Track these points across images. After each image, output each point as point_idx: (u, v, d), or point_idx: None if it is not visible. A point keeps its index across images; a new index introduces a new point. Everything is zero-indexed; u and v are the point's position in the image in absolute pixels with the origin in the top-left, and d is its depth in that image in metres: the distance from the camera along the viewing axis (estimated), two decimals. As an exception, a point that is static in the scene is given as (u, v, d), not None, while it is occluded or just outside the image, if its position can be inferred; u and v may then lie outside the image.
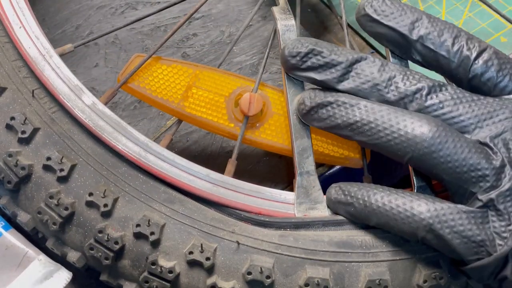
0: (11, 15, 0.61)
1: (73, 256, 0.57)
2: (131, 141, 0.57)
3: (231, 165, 0.62)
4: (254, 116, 0.64)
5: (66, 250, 0.57)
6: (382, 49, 0.88)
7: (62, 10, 0.87)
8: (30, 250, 0.60)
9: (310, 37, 0.88)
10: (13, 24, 0.61)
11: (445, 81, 0.55)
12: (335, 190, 0.56)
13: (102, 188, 0.55)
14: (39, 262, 0.59)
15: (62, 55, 0.62)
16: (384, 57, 0.87)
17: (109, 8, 0.87)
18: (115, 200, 0.55)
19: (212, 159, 0.77)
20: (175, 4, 0.72)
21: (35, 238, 0.61)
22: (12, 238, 0.60)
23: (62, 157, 0.56)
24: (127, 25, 0.70)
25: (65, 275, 0.59)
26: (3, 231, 0.60)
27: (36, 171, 0.56)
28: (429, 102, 0.52)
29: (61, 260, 0.59)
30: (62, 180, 0.56)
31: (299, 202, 0.57)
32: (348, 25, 0.88)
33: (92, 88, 0.80)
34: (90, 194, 0.55)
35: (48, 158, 0.56)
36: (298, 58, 0.53)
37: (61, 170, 0.55)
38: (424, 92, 0.52)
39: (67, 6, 0.87)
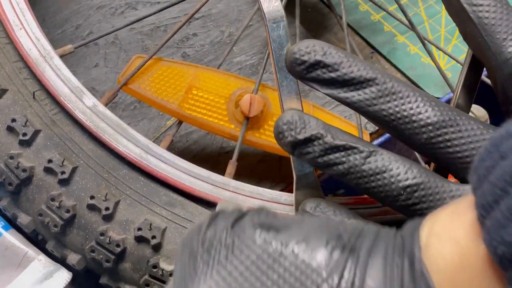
0: (12, 16, 0.61)
1: (73, 258, 0.57)
2: (132, 143, 0.57)
3: (231, 167, 0.62)
4: (255, 117, 0.65)
5: (66, 253, 0.57)
6: (383, 49, 0.88)
7: (62, 10, 0.87)
8: (30, 250, 0.60)
9: (310, 36, 0.88)
10: (14, 25, 0.61)
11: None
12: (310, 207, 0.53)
13: (104, 191, 0.55)
14: (39, 262, 0.59)
15: (62, 56, 0.62)
16: (385, 58, 0.88)
17: (109, 8, 0.87)
18: (117, 203, 0.55)
19: (212, 159, 0.77)
20: (175, 4, 0.72)
21: (34, 240, 0.61)
22: (12, 238, 0.61)
23: (64, 159, 0.56)
24: (128, 25, 0.70)
25: (65, 275, 0.59)
26: (3, 231, 0.61)
27: (37, 173, 0.56)
28: None
29: (60, 262, 0.60)
30: (64, 182, 0.56)
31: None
32: (348, 25, 0.88)
33: (92, 88, 0.80)
34: (92, 197, 0.55)
35: (50, 161, 0.56)
36: (303, 67, 0.48)
37: (63, 172, 0.55)
38: None
39: (67, 6, 0.87)
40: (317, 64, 0.47)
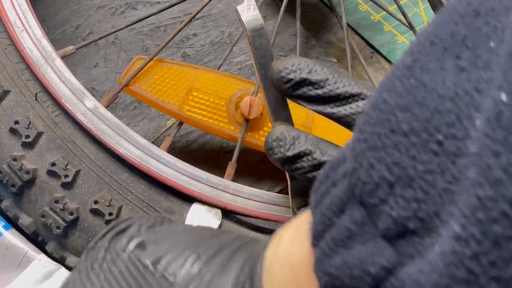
0: (13, 17, 0.61)
1: (72, 261, 0.57)
2: (133, 145, 0.58)
3: (231, 168, 0.63)
4: (254, 119, 0.65)
5: (66, 255, 0.58)
6: (383, 49, 0.88)
7: (62, 10, 0.87)
8: (30, 250, 0.60)
9: (310, 36, 0.89)
10: (15, 27, 0.61)
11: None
12: None
13: (107, 196, 0.56)
14: (39, 262, 0.60)
15: (64, 57, 0.63)
16: (385, 58, 0.88)
17: (109, 8, 0.87)
18: (119, 209, 0.56)
19: (212, 158, 0.77)
20: (175, 4, 0.72)
21: (35, 242, 0.61)
22: (12, 238, 0.61)
23: (67, 163, 0.56)
24: (128, 25, 0.70)
25: (65, 275, 0.60)
26: (3, 230, 0.61)
27: (40, 175, 0.57)
28: None
29: (59, 264, 0.60)
30: (67, 185, 0.56)
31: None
32: (348, 25, 0.89)
33: (92, 88, 0.80)
34: (95, 202, 0.55)
35: (53, 164, 0.56)
36: (289, 85, 0.48)
37: (66, 176, 0.56)
38: None
39: (67, 6, 0.87)
40: (303, 82, 0.48)
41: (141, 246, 0.35)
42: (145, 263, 0.34)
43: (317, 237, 0.27)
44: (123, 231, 0.36)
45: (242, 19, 0.51)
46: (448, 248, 0.21)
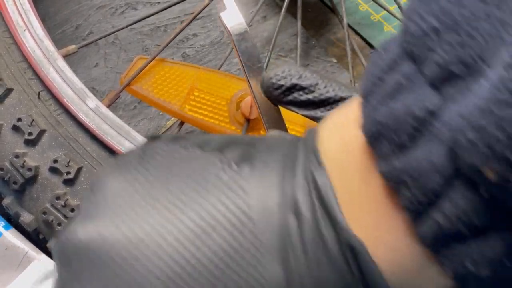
0: (16, 17, 0.62)
1: (74, 258, 0.57)
2: (134, 145, 0.58)
3: (232, 168, 0.63)
4: (255, 119, 0.65)
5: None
6: (380, 50, 0.88)
7: (62, 10, 0.87)
8: (30, 250, 0.60)
9: (310, 36, 0.89)
10: (18, 27, 0.61)
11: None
12: None
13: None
14: (39, 262, 0.60)
15: (66, 56, 0.63)
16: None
17: (109, 8, 0.88)
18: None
19: (212, 159, 0.77)
20: (175, 4, 0.72)
21: (35, 240, 0.61)
22: (12, 238, 0.61)
23: (69, 160, 0.56)
24: (128, 25, 0.70)
25: (66, 275, 0.59)
26: (3, 230, 0.61)
27: (42, 172, 0.57)
28: None
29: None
30: (69, 182, 0.56)
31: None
32: (348, 25, 0.89)
33: (92, 88, 0.80)
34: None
35: (55, 161, 0.56)
36: (280, 91, 0.49)
37: (68, 173, 0.56)
38: None
39: (67, 6, 0.87)
40: (294, 87, 0.49)
41: (178, 139, 0.35)
42: (189, 146, 0.34)
43: (366, 95, 0.29)
44: (151, 139, 0.36)
45: (226, 24, 0.51)
46: (495, 78, 0.22)
